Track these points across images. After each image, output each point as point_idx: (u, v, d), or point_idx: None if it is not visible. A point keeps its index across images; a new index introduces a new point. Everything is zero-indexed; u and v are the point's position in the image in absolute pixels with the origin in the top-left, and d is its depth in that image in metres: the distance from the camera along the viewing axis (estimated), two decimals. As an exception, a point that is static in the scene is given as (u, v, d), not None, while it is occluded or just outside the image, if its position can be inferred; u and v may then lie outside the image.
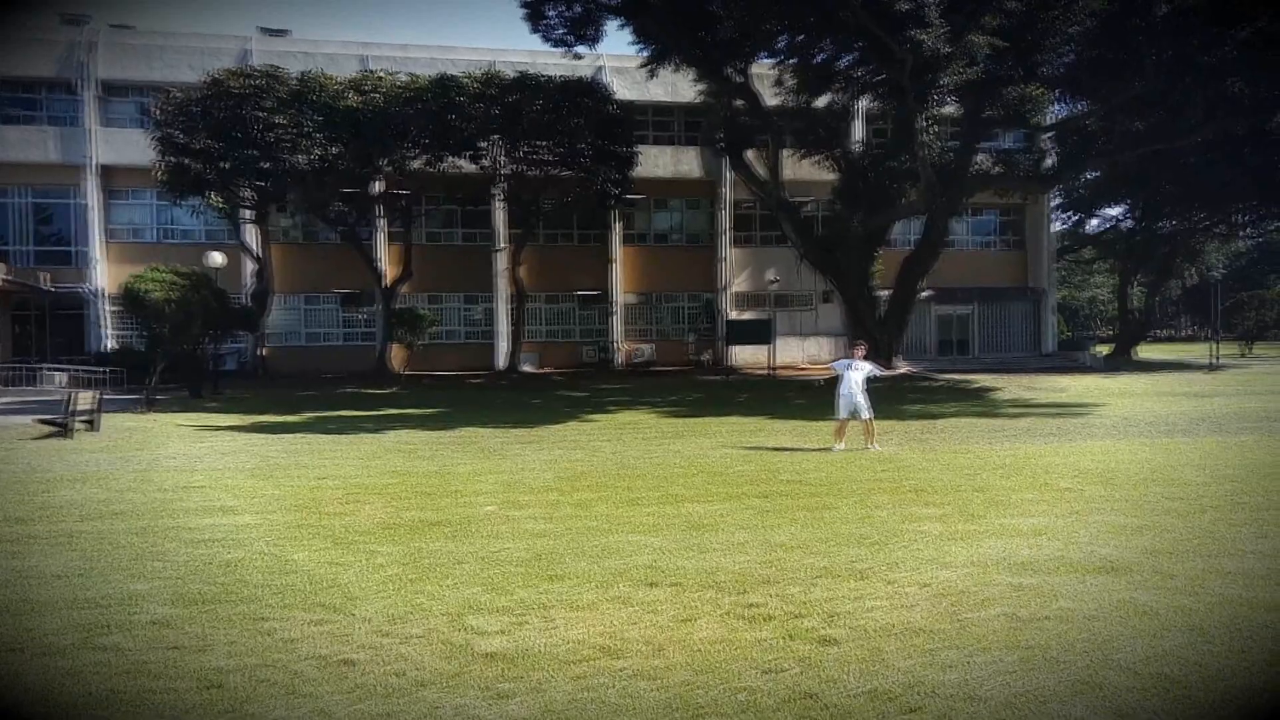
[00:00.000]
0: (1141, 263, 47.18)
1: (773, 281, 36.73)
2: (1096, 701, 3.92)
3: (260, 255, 30.17)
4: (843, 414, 12.98)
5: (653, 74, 27.00)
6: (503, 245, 34.64)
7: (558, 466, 11.45)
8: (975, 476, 10.16)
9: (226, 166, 26.55)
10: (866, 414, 12.91)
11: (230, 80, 26.73)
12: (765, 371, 31.01)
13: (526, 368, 33.31)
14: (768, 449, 13.21)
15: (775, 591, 5.63)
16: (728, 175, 34.80)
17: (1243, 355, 49.99)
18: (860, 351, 13.50)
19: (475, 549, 6.84)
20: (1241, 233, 51.95)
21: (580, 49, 26.89)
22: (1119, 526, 7.45)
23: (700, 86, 30.09)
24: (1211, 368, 35.38)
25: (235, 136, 26.23)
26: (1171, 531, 7.21)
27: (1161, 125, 26.64)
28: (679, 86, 32.89)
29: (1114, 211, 46.78)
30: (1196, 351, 51.77)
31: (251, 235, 30.69)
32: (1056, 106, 32.44)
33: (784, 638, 4.78)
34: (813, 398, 22.36)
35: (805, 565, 6.27)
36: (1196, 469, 10.59)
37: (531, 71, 29.12)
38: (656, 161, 35.13)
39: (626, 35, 35.54)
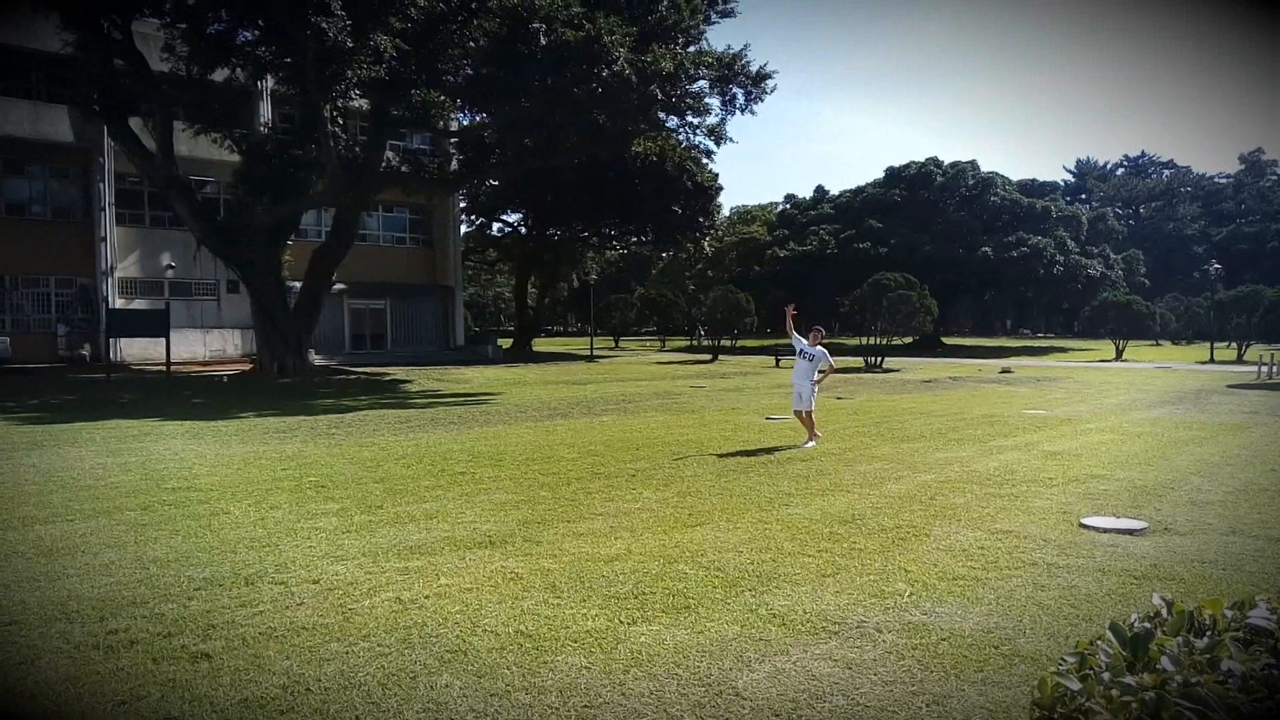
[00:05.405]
0: (535, 266, 53.07)
1: (169, 267, 33.21)
2: (462, 668, 4.22)
3: None
4: (796, 404, 12.54)
5: None
6: None
7: None
8: (378, 468, 10.34)
9: None
10: (804, 405, 12.42)
11: None
12: (161, 368, 27.84)
13: None
14: (166, 455, 11.79)
15: (144, 612, 5.03)
16: (108, 143, 30.41)
17: (615, 346, 59.37)
18: (816, 337, 12.63)
19: None
20: (611, 244, 61.44)
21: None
22: (501, 503, 8.19)
23: (68, 35, 25.66)
24: (590, 359, 41.34)
25: None
26: (543, 503, 8.16)
27: (545, 145, 30.10)
28: (38, 30, 27.70)
29: (512, 218, 51.90)
30: (581, 344, 60.05)
31: None
32: (461, 115, 34.64)
33: (149, 662, 4.29)
34: (215, 396, 20.70)
35: (185, 578, 5.72)
36: (569, 447, 12.18)
37: None
38: (8, 116, 29.27)
39: (-36, -43, 28.87)
